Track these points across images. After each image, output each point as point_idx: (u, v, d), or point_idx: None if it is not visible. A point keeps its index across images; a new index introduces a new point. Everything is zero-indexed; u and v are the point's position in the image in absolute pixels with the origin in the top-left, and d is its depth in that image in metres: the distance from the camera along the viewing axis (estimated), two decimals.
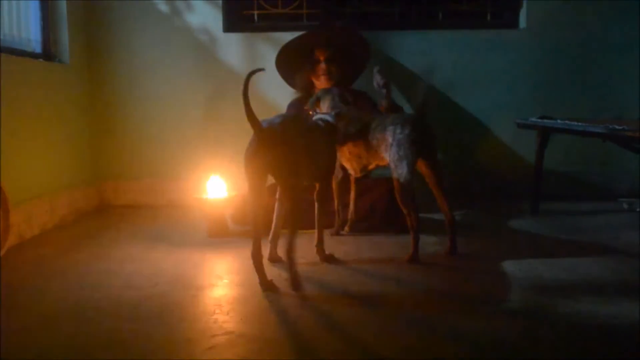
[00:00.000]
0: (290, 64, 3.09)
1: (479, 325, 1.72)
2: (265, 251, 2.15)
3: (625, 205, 3.25)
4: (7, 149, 2.56)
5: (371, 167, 2.52)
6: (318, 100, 2.54)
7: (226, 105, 3.58)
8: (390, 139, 2.32)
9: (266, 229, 2.80)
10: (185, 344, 1.61)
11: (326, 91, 2.56)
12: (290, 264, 2.01)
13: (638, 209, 3.18)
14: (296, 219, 2.03)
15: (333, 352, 1.56)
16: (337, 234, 2.76)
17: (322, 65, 2.96)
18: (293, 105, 3.14)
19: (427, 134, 2.38)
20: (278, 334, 1.67)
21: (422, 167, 2.41)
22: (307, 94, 3.00)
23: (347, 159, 2.56)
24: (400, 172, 2.29)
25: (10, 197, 2.38)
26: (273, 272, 2.14)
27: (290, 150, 1.99)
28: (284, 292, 1.99)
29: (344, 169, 2.66)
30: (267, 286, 2.00)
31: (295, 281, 2.00)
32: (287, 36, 3.23)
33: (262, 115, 3.46)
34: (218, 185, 2.91)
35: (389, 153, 2.32)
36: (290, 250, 2.00)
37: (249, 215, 2.05)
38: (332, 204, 2.71)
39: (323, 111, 2.47)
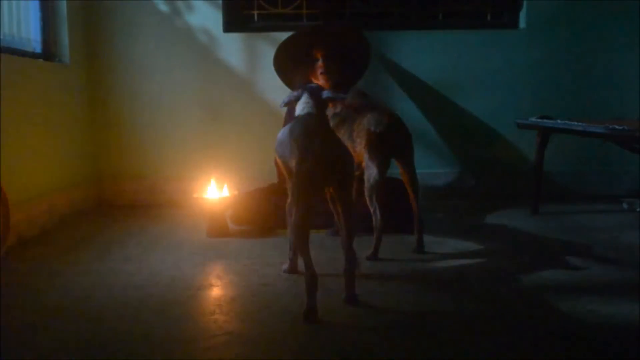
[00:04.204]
0: (289, 64, 3.07)
1: (479, 325, 1.72)
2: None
3: (625, 206, 3.25)
4: (7, 149, 2.56)
5: (363, 164, 2.53)
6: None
7: (226, 105, 3.58)
8: (365, 137, 2.34)
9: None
10: (184, 344, 1.61)
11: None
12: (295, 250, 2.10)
13: (638, 209, 3.18)
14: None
15: (333, 352, 1.56)
16: (337, 234, 2.75)
17: (320, 63, 2.93)
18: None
19: (402, 133, 2.40)
20: (278, 334, 1.67)
21: (397, 165, 2.44)
22: None
23: None
24: (370, 171, 2.31)
25: (10, 197, 2.38)
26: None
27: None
28: (283, 292, 2.00)
29: None
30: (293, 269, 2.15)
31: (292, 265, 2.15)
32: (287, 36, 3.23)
33: (261, 116, 3.51)
34: (218, 185, 2.91)
35: (364, 151, 2.35)
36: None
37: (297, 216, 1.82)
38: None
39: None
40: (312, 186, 1.80)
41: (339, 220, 1.89)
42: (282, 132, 2.07)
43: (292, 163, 1.87)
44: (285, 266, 2.19)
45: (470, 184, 3.59)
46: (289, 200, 2.06)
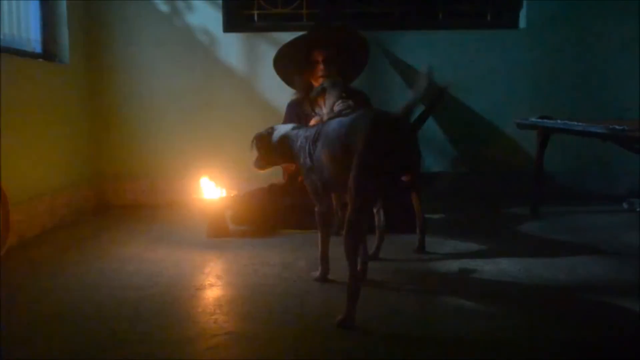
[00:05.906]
0: (289, 65, 3.08)
1: (479, 325, 1.72)
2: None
3: (625, 206, 3.25)
4: (7, 149, 2.56)
5: None
6: (324, 91, 2.23)
7: (226, 104, 3.58)
8: None
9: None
10: (185, 344, 1.61)
11: (333, 83, 2.28)
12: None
13: (638, 209, 3.18)
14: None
15: (333, 352, 1.56)
16: (337, 234, 2.75)
17: (321, 67, 2.95)
18: (292, 105, 3.14)
19: (408, 134, 2.39)
20: (278, 334, 1.67)
21: None
22: (306, 95, 2.99)
23: None
24: None
25: (10, 197, 2.38)
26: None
27: None
28: (283, 292, 2.00)
29: None
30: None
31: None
32: (287, 36, 3.23)
33: (261, 116, 3.51)
34: (217, 185, 2.91)
35: None
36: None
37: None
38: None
39: (327, 103, 2.19)
40: (376, 175, 1.59)
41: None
42: (337, 124, 1.80)
43: (352, 153, 1.64)
44: (316, 273, 2.10)
45: (469, 184, 3.58)
46: (317, 208, 2.05)
